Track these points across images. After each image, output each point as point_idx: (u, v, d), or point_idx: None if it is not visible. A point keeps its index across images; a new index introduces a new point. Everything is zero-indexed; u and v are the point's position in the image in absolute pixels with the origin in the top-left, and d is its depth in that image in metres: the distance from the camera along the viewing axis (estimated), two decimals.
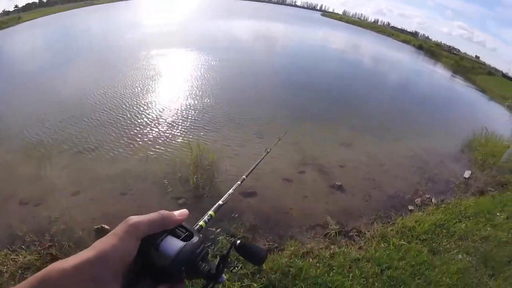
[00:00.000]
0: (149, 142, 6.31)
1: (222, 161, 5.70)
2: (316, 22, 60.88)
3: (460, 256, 4.04)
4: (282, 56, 18.58)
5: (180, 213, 0.63)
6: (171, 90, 9.49)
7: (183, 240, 0.59)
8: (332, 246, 3.97)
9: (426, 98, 15.16)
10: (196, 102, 8.64)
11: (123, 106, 7.87)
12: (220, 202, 0.89)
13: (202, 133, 6.87)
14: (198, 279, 0.60)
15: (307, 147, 6.81)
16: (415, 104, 13.51)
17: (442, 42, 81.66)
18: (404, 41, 54.87)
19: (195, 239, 0.60)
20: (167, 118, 7.44)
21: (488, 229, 4.80)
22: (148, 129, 6.84)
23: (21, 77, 10.31)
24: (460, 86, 23.12)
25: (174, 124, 7.17)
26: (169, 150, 6.11)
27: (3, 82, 9.66)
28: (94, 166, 5.43)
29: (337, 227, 4.34)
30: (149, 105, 8.11)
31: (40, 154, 5.64)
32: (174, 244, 0.57)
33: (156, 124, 7.08)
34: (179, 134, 6.75)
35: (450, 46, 71.10)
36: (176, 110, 7.98)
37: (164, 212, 0.60)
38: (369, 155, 6.98)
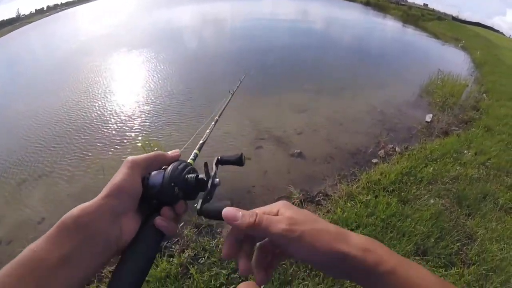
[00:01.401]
0: (101, 153, 5.90)
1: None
2: None
3: (432, 201, 3.95)
4: (225, 31, 18.11)
5: (172, 152, 0.73)
6: (111, 95, 8.87)
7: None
8: None
9: (380, 51, 15.27)
10: (140, 101, 8.12)
11: (65, 123, 7.28)
12: (201, 141, 1.00)
13: (152, 131, 6.48)
14: (195, 194, 0.72)
15: (261, 121, 6.58)
16: (369, 58, 13.54)
17: None
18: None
19: (174, 162, 0.70)
20: (114, 124, 6.95)
21: (458, 168, 4.77)
22: (97, 139, 6.38)
23: None
24: (412, 35, 23.56)
25: (123, 128, 6.71)
26: (123, 155, 5.68)
27: None
28: (54, 189, 5.10)
29: (300, 195, 4.17)
30: (93, 115, 7.55)
31: None
32: (158, 173, 0.67)
33: (104, 133, 6.60)
34: (131, 136, 6.33)
35: None
36: (122, 113, 7.46)
37: (158, 152, 0.70)
38: (326, 117, 6.82)
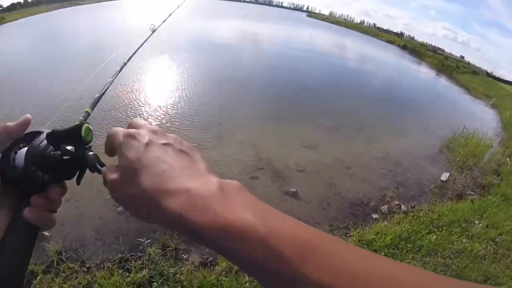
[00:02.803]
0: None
1: None
2: (301, 23, 60.97)
3: None
4: (260, 56, 18.00)
5: (20, 121, 0.52)
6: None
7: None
8: None
9: (408, 97, 14.85)
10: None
11: None
12: (97, 95, 0.83)
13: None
14: (69, 173, 0.55)
15: (265, 150, 6.22)
16: (395, 103, 13.15)
17: (427, 42, 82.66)
18: (389, 41, 55.31)
19: (40, 135, 0.52)
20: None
21: (464, 240, 4.27)
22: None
23: None
24: (443, 85, 23.08)
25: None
26: None
27: None
28: None
29: None
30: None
31: None
32: (22, 152, 0.50)
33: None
34: None
35: (434, 46, 72.04)
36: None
37: (5, 124, 0.51)
38: (335, 158, 6.41)
